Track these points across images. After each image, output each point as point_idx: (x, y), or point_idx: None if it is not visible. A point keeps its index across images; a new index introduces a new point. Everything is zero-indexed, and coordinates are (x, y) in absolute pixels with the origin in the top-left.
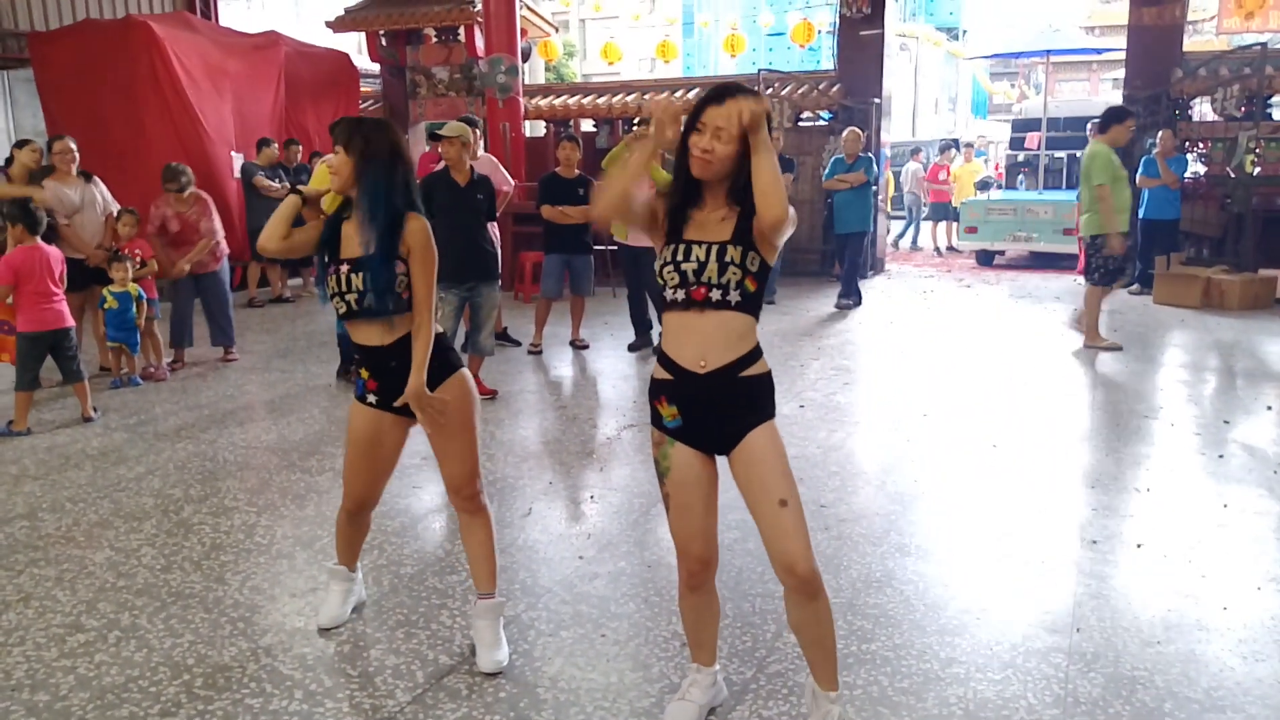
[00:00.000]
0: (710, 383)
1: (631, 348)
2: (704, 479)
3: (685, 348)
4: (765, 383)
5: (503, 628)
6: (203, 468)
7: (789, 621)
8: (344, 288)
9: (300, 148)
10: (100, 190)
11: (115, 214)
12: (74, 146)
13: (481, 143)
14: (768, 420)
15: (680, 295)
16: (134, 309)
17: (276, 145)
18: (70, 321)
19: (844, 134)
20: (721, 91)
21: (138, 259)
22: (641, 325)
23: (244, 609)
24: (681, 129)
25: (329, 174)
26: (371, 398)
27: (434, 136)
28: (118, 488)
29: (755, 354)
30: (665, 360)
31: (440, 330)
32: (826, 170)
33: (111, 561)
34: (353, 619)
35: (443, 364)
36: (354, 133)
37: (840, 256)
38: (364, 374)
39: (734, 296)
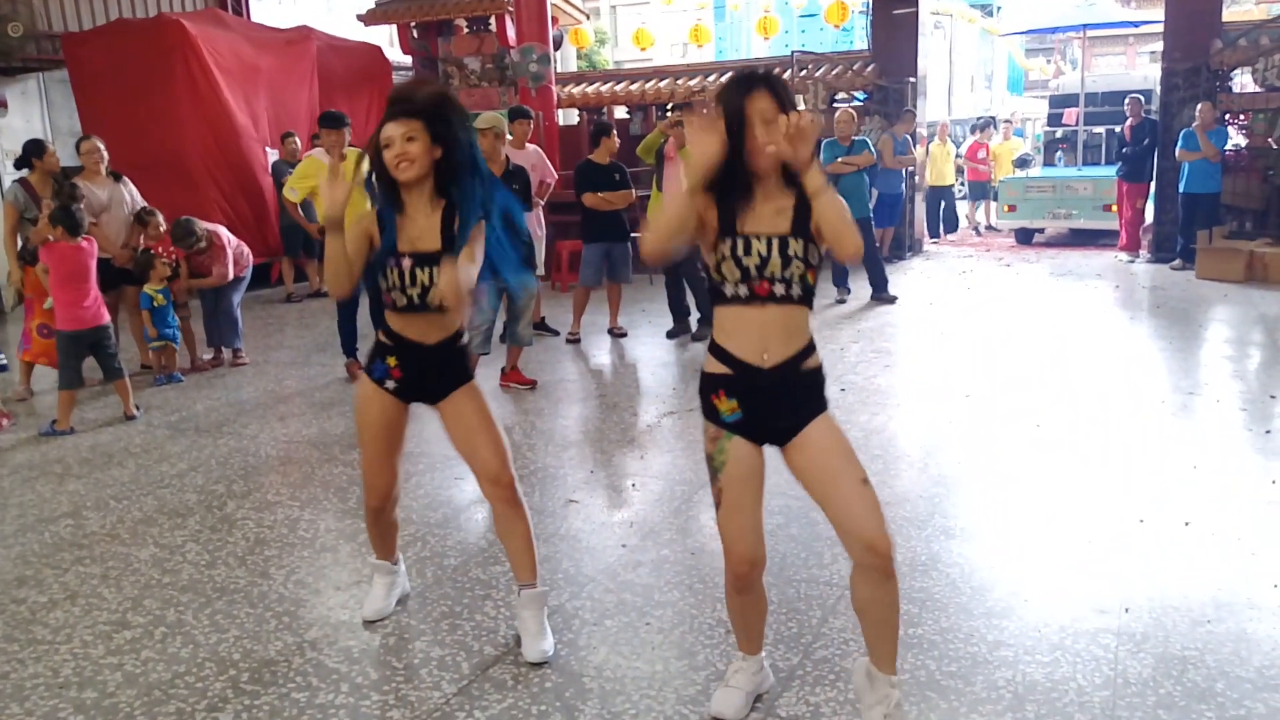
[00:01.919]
0: (774, 376)
1: (670, 334)
2: (757, 472)
3: (746, 341)
4: (821, 374)
5: (547, 617)
6: (245, 463)
7: (857, 601)
8: (407, 282)
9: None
10: (129, 190)
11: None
12: (101, 146)
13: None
14: (825, 410)
15: (743, 290)
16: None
17: (298, 139)
18: (108, 319)
19: (837, 115)
20: (748, 84)
21: (172, 258)
22: (680, 312)
23: (289, 603)
24: (724, 131)
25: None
26: (390, 384)
27: (479, 130)
28: (161, 484)
29: (812, 345)
30: (722, 354)
31: (466, 341)
32: (822, 155)
33: (156, 558)
34: (397, 611)
35: (460, 370)
36: (446, 111)
37: None
38: (391, 361)
39: (796, 290)
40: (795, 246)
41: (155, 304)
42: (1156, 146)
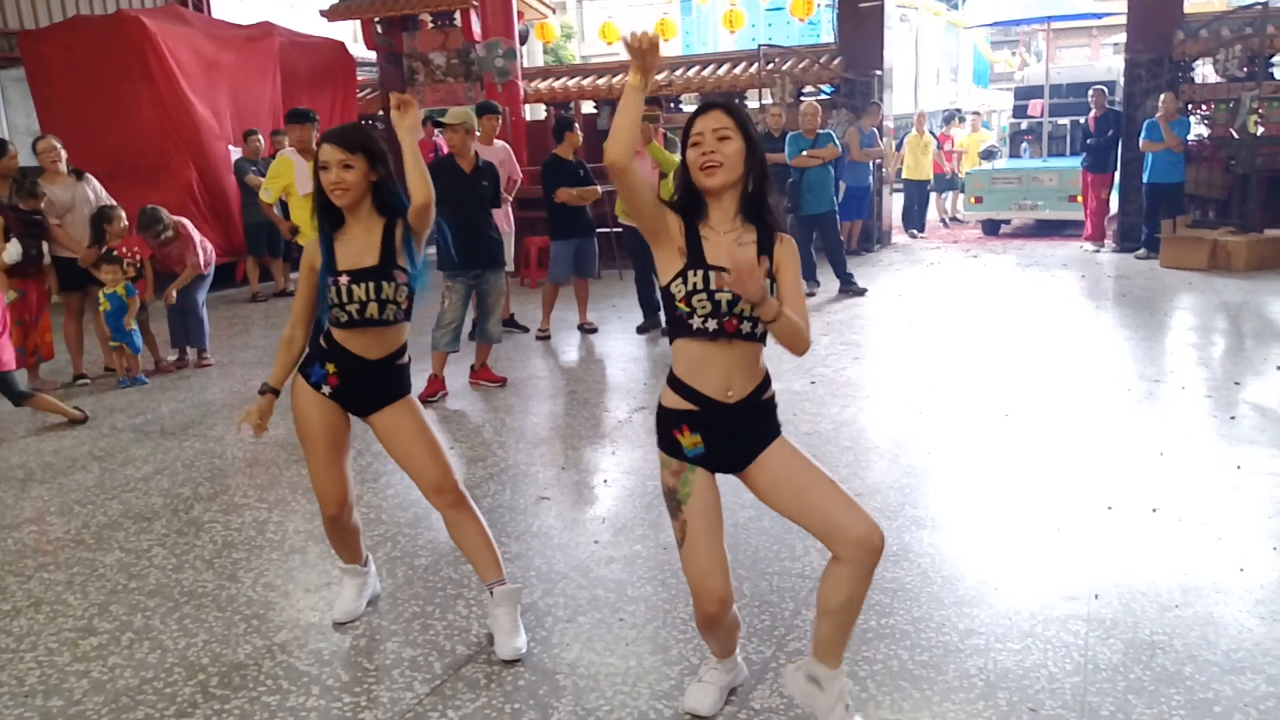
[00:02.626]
0: (736, 410)
1: (640, 329)
2: (718, 504)
3: (712, 378)
4: (774, 402)
5: (520, 614)
6: (211, 465)
7: (834, 600)
8: (344, 299)
9: (286, 138)
10: (93, 188)
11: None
12: (58, 145)
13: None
14: (780, 434)
15: (712, 325)
16: (126, 309)
17: (262, 136)
18: (11, 367)
19: (802, 108)
20: (705, 105)
21: (135, 257)
22: (650, 307)
23: (258, 606)
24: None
25: (335, 187)
26: (327, 389)
27: (437, 124)
28: (126, 488)
29: (768, 376)
30: (685, 390)
31: (406, 361)
32: (788, 148)
33: (122, 563)
34: (368, 612)
35: (396, 386)
36: (366, 140)
37: (810, 241)
38: (330, 368)
39: (760, 328)
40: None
41: (101, 308)
42: (1120, 137)
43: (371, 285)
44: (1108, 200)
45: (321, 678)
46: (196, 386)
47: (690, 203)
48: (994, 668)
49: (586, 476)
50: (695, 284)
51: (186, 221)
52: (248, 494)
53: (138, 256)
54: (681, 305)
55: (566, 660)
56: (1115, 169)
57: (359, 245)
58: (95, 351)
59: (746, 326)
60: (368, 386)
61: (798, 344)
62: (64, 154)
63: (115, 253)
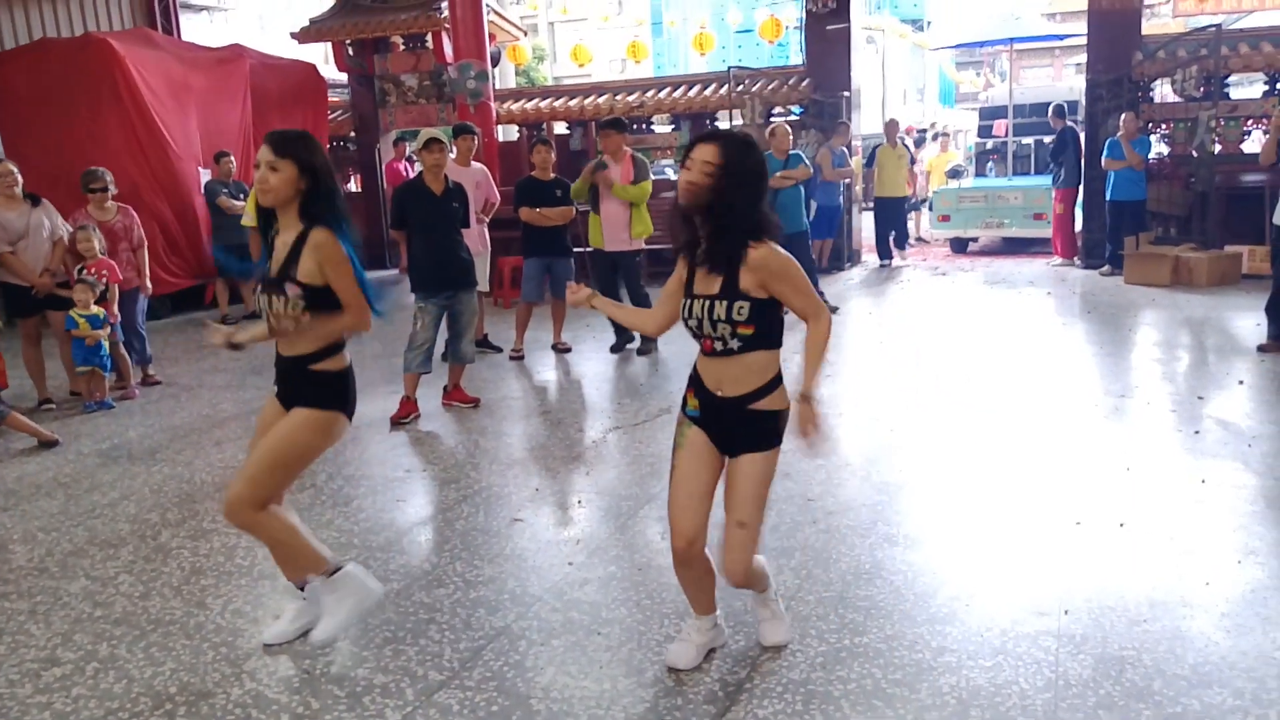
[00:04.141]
0: (723, 405)
1: (613, 349)
2: (708, 463)
3: (707, 377)
4: (774, 418)
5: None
6: (179, 490)
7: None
8: (262, 303)
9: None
10: (49, 214)
11: (66, 237)
12: (14, 169)
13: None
14: (768, 449)
15: (699, 344)
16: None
17: (234, 158)
18: None
19: (772, 129)
20: (709, 135)
21: (103, 279)
22: (621, 328)
23: (226, 633)
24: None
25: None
26: (276, 387)
27: (435, 141)
28: (92, 514)
29: (769, 387)
30: (695, 371)
31: (345, 365)
32: None
33: (87, 591)
34: (339, 637)
35: (305, 389)
36: (300, 149)
37: None
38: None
39: (734, 344)
40: (719, 309)
41: (79, 330)
42: (1075, 154)
43: (266, 296)
44: (1064, 215)
45: (291, 705)
46: (164, 411)
47: (685, 227)
48: (966, 685)
49: (561, 498)
50: (684, 312)
51: (129, 207)
52: (216, 520)
53: (105, 279)
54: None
55: (540, 684)
56: (1074, 185)
57: (278, 253)
58: (59, 376)
59: (719, 345)
60: (283, 382)
61: (824, 348)
62: (20, 179)
63: (86, 273)
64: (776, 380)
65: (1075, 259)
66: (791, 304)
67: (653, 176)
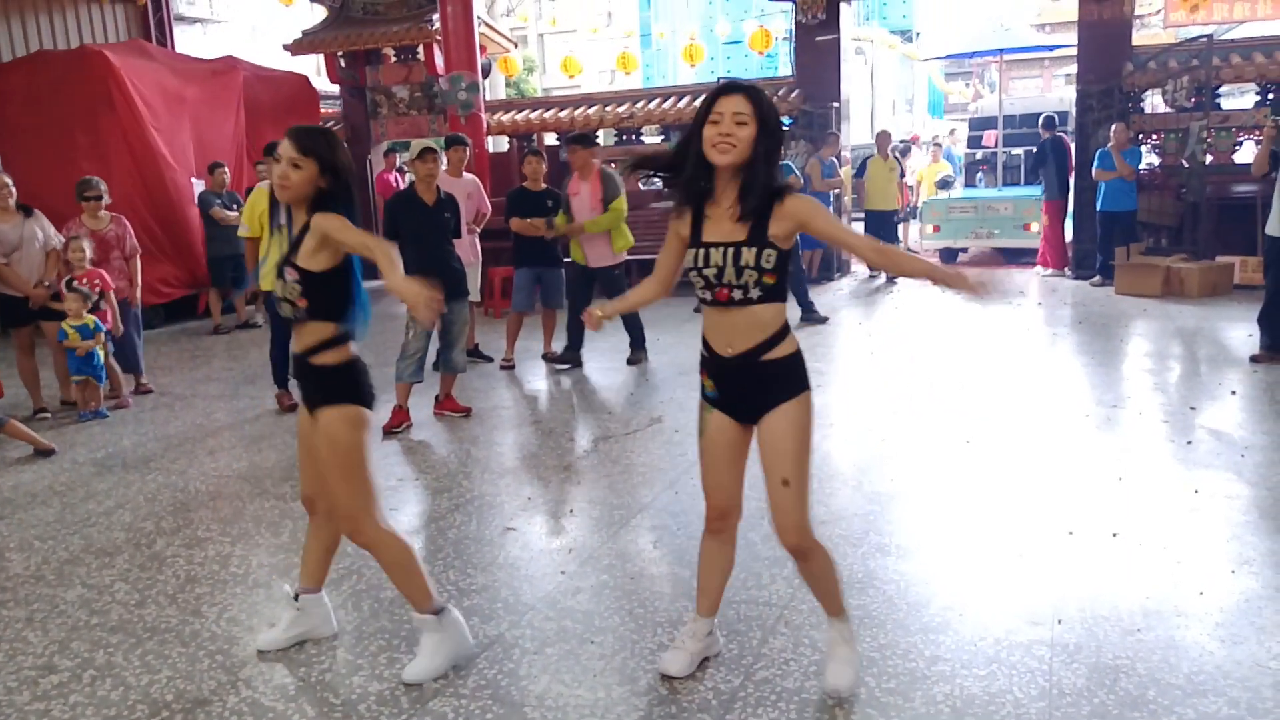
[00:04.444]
0: (736, 363)
1: (560, 360)
2: (733, 443)
3: (715, 336)
4: (790, 362)
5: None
6: (174, 499)
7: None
8: (281, 291)
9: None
10: (42, 225)
11: (60, 246)
12: (9, 181)
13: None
14: (794, 397)
15: (708, 296)
16: (94, 340)
17: (228, 169)
18: None
19: None
20: (729, 86)
21: (96, 289)
22: (575, 341)
23: (222, 641)
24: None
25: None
26: (299, 393)
27: (429, 150)
28: (87, 523)
29: (779, 337)
30: (704, 342)
31: (349, 358)
32: None
33: (84, 599)
34: (334, 646)
35: (318, 384)
36: (324, 148)
37: None
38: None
39: (755, 293)
40: (748, 255)
41: (69, 340)
42: (1056, 166)
43: (280, 281)
44: (1051, 226)
45: (287, 713)
46: (159, 420)
47: (699, 178)
48: (960, 694)
49: (553, 506)
50: (690, 262)
51: (121, 217)
52: (211, 528)
53: (98, 288)
54: (693, 279)
55: (534, 693)
56: (1060, 195)
57: (284, 242)
58: (53, 385)
59: (738, 294)
60: (300, 380)
61: (915, 264)
62: (14, 190)
63: (77, 282)
64: (785, 330)
65: (1066, 270)
66: (835, 236)
67: (636, 189)
